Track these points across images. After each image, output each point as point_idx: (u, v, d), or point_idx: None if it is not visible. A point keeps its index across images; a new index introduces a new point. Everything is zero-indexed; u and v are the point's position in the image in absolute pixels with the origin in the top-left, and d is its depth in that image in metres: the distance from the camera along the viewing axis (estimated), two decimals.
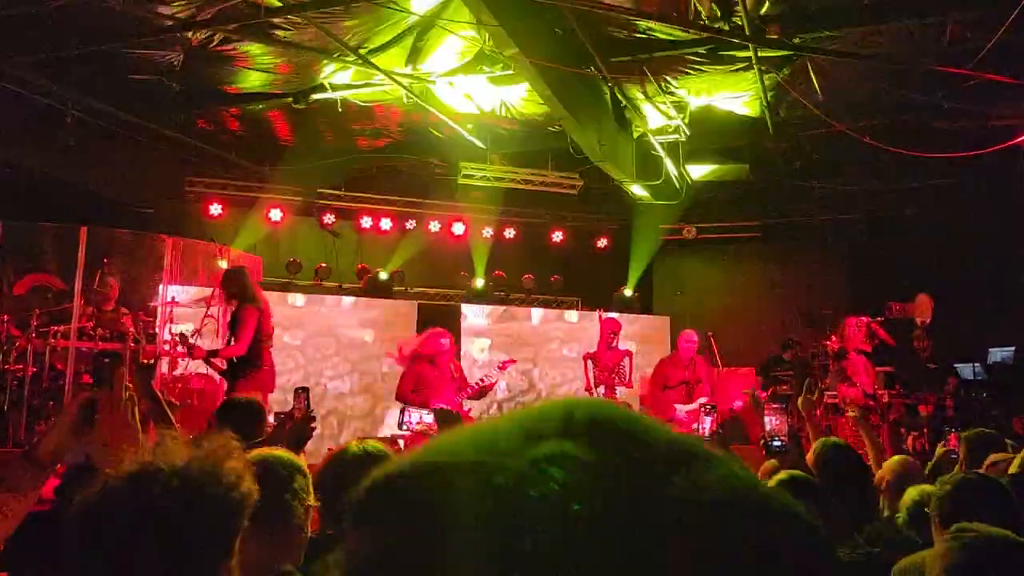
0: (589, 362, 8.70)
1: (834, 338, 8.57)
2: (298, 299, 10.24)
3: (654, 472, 0.43)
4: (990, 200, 9.94)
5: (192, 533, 1.20)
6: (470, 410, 7.16)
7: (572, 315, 11.47)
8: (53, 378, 7.26)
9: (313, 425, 3.63)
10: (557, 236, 12.15)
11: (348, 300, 10.49)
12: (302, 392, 3.73)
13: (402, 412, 6.54)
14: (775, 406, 9.81)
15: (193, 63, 7.88)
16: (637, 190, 10.66)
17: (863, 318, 8.35)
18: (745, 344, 10.72)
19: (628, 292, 11.87)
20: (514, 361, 8.03)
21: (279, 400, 9.35)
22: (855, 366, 8.21)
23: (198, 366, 8.30)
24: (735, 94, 8.35)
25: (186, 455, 1.26)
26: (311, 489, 2.19)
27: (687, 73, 7.83)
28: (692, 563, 0.40)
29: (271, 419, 4.69)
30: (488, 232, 11.81)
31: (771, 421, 6.26)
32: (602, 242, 12.40)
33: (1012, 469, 3.10)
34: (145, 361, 6.34)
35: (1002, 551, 1.73)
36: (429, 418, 6.38)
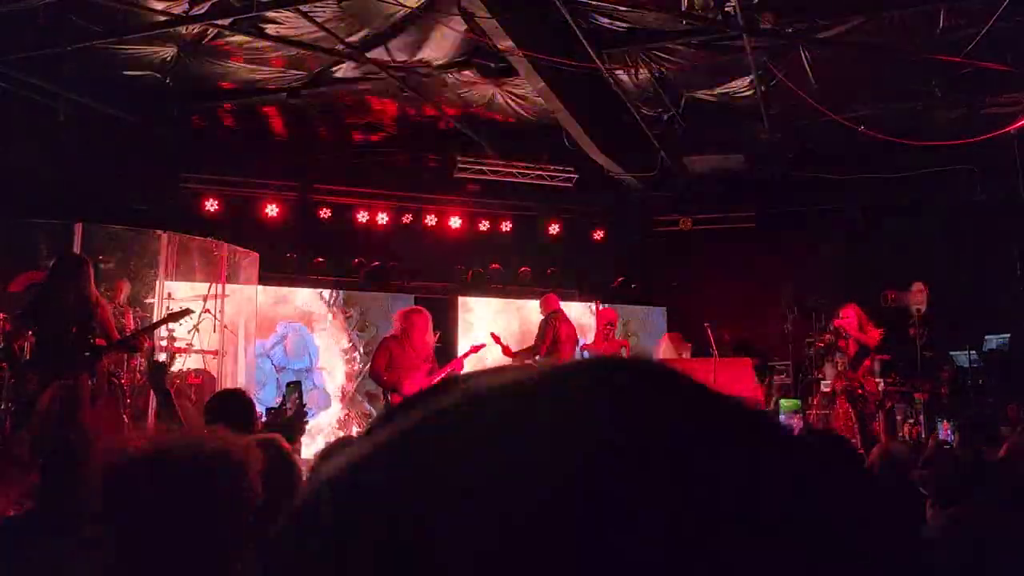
0: (586, 353, 8.73)
1: (830, 328, 8.59)
2: (296, 294, 10.25)
3: None
4: (984, 188, 9.96)
5: (208, 515, 1.21)
6: None
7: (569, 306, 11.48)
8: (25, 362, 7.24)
9: (306, 420, 3.64)
10: (553, 228, 12.15)
11: (345, 294, 10.51)
12: (294, 387, 3.75)
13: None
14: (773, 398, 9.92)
15: (186, 59, 7.88)
16: (632, 182, 10.67)
17: (855, 308, 8.36)
18: (742, 334, 10.75)
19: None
20: (483, 345, 8.02)
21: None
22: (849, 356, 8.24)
23: (196, 362, 8.33)
24: (729, 84, 8.35)
25: (201, 441, 1.27)
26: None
27: (681, 63, 7.83)
28: None
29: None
30: (484, 225, 11.81)
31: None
32: (598, 234, 12.41)
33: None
34: (158, 360, 6.25)
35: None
36: None
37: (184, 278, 8.54)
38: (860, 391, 7.88)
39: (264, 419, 4.82)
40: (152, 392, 7.32)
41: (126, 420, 6.23)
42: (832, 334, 8.40)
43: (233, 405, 3.89)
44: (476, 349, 7.78)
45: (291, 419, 3.58)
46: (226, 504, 1.23)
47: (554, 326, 8.23)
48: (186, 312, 6.71)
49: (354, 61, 7.94)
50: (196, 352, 8.20)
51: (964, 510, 2.37)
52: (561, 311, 8.42)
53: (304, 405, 3.68)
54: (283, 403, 3.76)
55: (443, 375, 7.08)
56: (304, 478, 2.27)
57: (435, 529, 0.33)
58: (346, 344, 10.35)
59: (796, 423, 9.18)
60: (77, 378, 5.20)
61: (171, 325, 8.00)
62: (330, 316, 10.37)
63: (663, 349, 9.16)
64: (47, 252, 8.06)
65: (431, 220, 11.57)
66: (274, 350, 9.98)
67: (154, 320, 7.60)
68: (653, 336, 11.61)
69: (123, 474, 1.22)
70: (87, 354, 5.05)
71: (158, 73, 8.18)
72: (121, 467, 1.23)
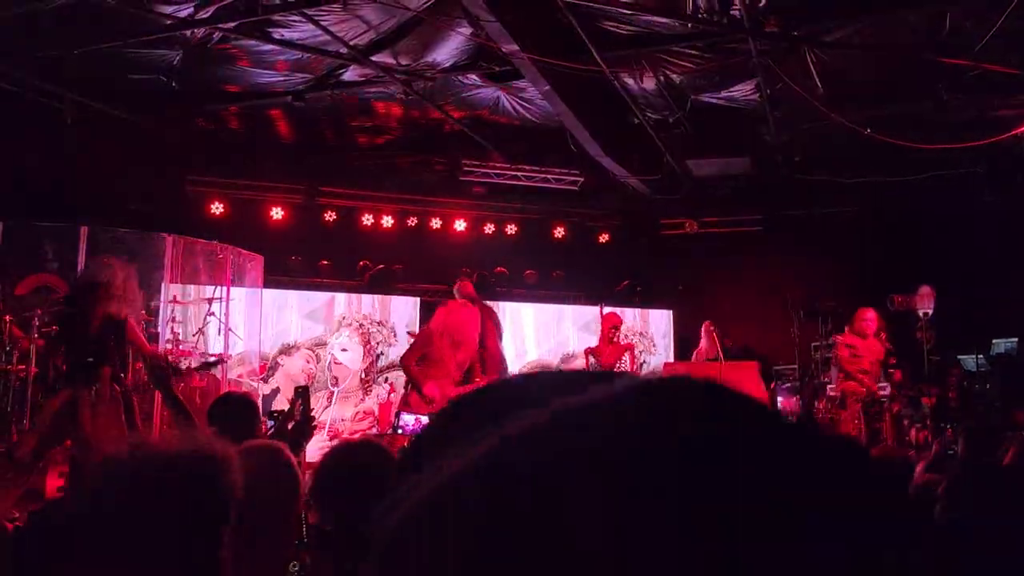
0: (591, 356, 8.71)
1: (846, 331, 8.50)
2: (300, 297, 10.26)
3: None
4: (991, 191, 9.91)
5: (181, 518, 1.21)
6: None
7: (574, 309, 11.49)
8: (56, 378, 7.26)
9: (313, 424, 3.65)
10: (559, 231, 12.15)
11: (351, 297, 10.52)
12: (300, 393, 3.75)
13: (397, 416, 6.52)
14: (785, 386, 9.94)
15: (192, 61, 7.89)
16: (638, 185, 10.66)
17: (870, 314, 8.32)
18: (747, 337, 10.73)
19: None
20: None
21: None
22: (862, 360, 8.20)
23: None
24: (735, 87, 8.34)
25: (180, 443, 1.28)
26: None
27: (686, 67, 7.82)
28: None
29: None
30: (489, 228, 11.82)
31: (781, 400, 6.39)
32: (603, 237, 12.40)
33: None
34: (163, 363, 6.23)
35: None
36: (425, 420, 6.31)
37: (189, 281, 8.56)
38: (879, 395, 7.88)
39: (269, 423, 4.83)
40: (159, 395, 7.33)
41: (137, 423, 6.22)
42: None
43: (237, 408, 3.89)
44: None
45: (299, 424, 3.59)
46: (204, 506, 1.23)
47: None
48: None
49: (359, 64, 7.95)
50: (201, 355, 8.21)
51: (971, 515, 2.35)
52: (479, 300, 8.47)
53: (311, 411, 3.69)
54: (290, 408, 3.77)
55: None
56: (305, 481, 2.27)
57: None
58: (351, 346, 10.35)
59: (793, 405, 9.31)
60: (81, 386, 5.21)
61: (176, 328, 8.04)
62: (334, 318, 10.38)
63: (702, 335, 9.35)
64: (54, 255, 8.09)
65: (436, 223, 11.59)
66: (287, 359, 9.98)
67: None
68: (658, 339, 11.60)
69: (100, 482, 1.23)
70: (89, 360, 5.06)
71: (164, 76, 8.20)
72: (98, 475, 1.24)
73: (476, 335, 6.74)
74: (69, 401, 5.15)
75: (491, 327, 8.15)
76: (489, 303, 9.44)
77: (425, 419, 6.29)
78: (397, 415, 6.54)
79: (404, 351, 6.91)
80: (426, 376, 6.50)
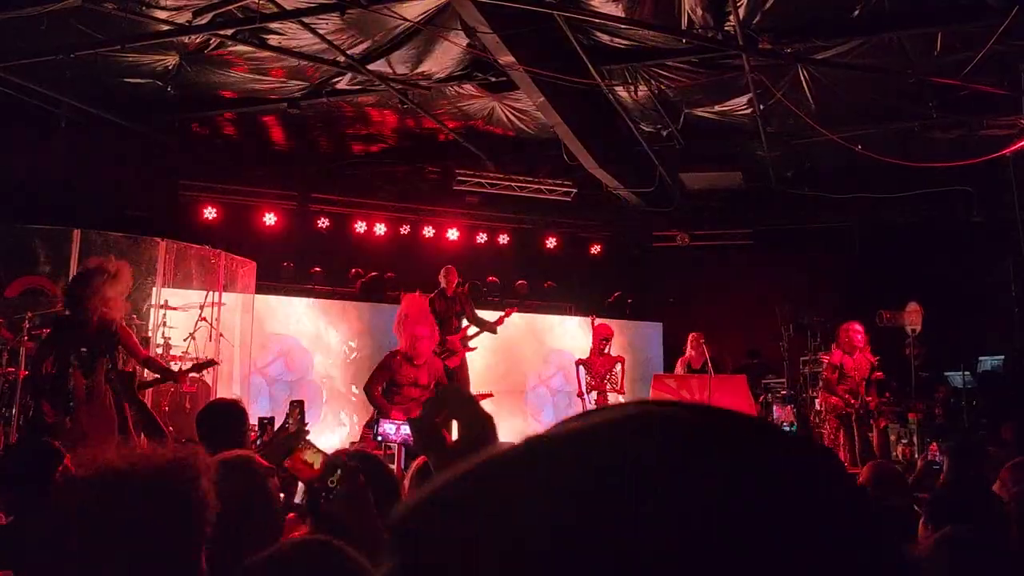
0: (581, 368, 8.73)
1: (833, 348, 8.53)
2: (292, 303, 10.25)
3: None
4: (980, 209, 10.01)
5: (152, 532, 1.21)
6: None
7: (565, 320, 11.51)
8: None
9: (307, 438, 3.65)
10: (551, 242, 12.19)
11: (341, 304, 10.51)
12: (296, 405, 3.76)
13: (376, 424, 6.26)
14: (781, 394, 10.00)
15: (188, 67, 7.91)
16: (630, 197, 10.71)
17: (858, 327, 8.36)
18: (736, 351, 10.77)
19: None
20: (491, 395, 7.96)
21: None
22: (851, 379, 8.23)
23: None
24: (728, 102, 8.40)
25: (148, 458, 1.27)
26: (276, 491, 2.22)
27: (681, 81, 7.88)
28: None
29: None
30: (482, 238, 11.85)
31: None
32: (595, 248, 12.44)
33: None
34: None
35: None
36: (406, 429, 6.12)
37: (181, 286, 8.54)
38: (863, 411, 7.92)
39: (256, 429, 4.82)
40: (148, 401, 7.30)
41: (130, 429, 6.18)
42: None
43: (225, 415, 3.88)
44: (482, 397, 7.78)
45: (292, 436, 3.60)
46: (178, 517, 1.23)
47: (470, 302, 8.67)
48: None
49: (355, 73, 7.98)
50: (191, 360, 8.19)
51: (953, 531, 2.38)
52: None
53: (306, 423, 3.70)
54: (286, 420, 3.78)
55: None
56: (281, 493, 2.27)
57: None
58: (341, 355, 10.34)
59: (787, 414, 9.35)
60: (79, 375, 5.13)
61: (167, 333, 8.03)
62: (323, 326, 10.36)
63: (688, 346, 9.35)
64: (45, 258, 8.07)
65: (429, 232, 11.61)
66: (272, 366, 9.95)
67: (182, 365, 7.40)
68: (649, 352, 11.63)
69: (71, 497, 1.22)
70: (83, 350, 5.01)
71: (159, 81, 8.21)
72: (69, 491, 1.23)
73: (430, 349, 6.61)
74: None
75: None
76: (480, 312, 9.47)
77: (406, 428, 6.11)
78: (375, 423, 6.32)
79: (368, 379, 6.68)
80: (392, 404, 6.33)
